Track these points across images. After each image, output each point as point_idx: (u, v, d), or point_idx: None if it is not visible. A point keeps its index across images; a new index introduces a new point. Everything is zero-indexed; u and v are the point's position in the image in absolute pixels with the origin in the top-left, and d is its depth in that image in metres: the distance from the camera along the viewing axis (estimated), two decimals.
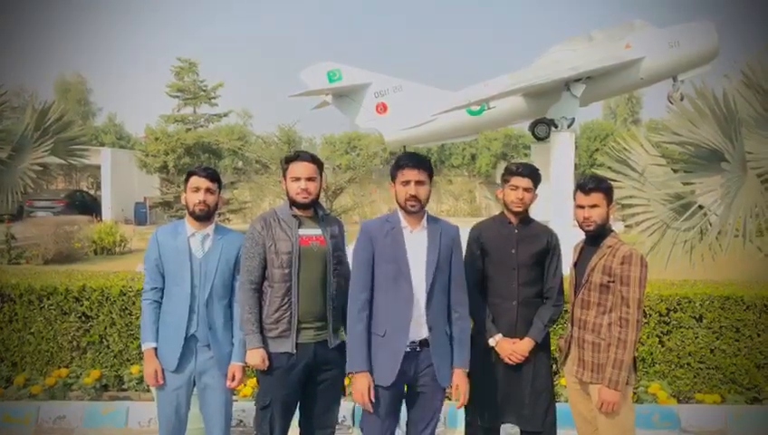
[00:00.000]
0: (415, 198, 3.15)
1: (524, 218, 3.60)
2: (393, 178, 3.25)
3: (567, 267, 3.63)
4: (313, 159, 3.49)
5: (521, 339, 3.49)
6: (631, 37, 11.94)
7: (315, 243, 3.40)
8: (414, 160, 3.20)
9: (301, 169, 3.42)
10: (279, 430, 3.37)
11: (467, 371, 3.29)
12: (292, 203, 3.45)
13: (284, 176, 3.49)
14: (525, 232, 3.58)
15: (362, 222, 3.35)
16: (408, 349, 3.14)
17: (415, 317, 3.14)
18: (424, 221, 3.25)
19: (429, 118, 12.72)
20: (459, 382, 3.24)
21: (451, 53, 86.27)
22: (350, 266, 3.34)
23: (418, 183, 3.17)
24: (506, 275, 3.52)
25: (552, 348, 3.91)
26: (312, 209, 3.50)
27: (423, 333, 3.17)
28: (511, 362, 3.48)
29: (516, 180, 3.53)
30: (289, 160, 3.49)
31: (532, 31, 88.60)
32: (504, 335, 3.50)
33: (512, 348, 3.47)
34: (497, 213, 3.77)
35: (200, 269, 3.42)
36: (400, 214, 3.25)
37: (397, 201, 3.24)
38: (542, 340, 3.52)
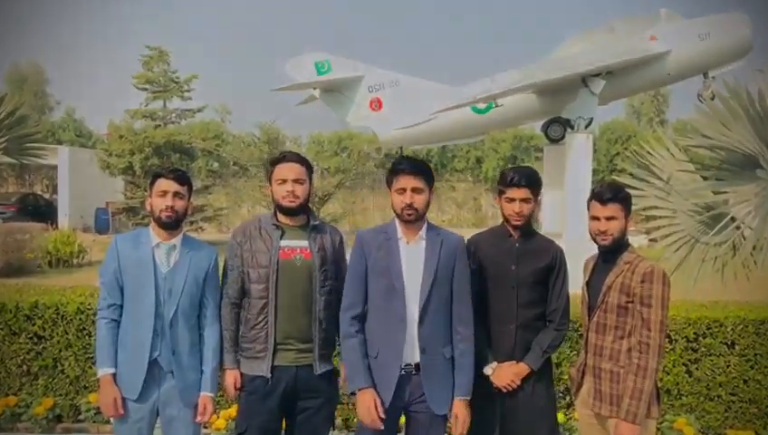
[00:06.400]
0: (411, 206, 3.20)
1: (526, 231, 3.55)
2: (389, 185, 3.31)
3: (579, 286, 3.62)
4: (301, 160, 3.53)
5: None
6: (657, 29, 12.06)
7: (299, 256, 3.42)
8: (411, 165, 3.25)
9: (287, 170, 3.45)
10: None
11: (469, 399, 3.28)
12: (279, 209, 3.48)
13: (269, 180, 3.52)
14: (527, 246, 3.53)
15: (357, 232, 3.43)
16: (403, 372, 3.19)
17: (408, 338, 3.18)
18: (423, 231, 3.29)
19: (429, 116, 12.78)
20: (458, 413, 3.23)
21: (455, 44, 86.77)
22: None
23: (415, 190, 3.21)
24: (505, 294, 3.47)
25: (562, 376, 3.90)
26: (303, 218, 3.52)
27: (418, 355, 3.19)
28: (506, 390, 3.44)
29: (512, 192, 3.45)
30: (274, 163, 3.53)
31: (547, 21, 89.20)
32: (501, 362, 3.46)
33: (508, 376, 3.43)
34: (496, 224, 3.73)
35: (165, 285, 3.38)
36: (397, 223, 3.32)
37: (393, 210, 3.30)
38: (540, 367, 3.47)
